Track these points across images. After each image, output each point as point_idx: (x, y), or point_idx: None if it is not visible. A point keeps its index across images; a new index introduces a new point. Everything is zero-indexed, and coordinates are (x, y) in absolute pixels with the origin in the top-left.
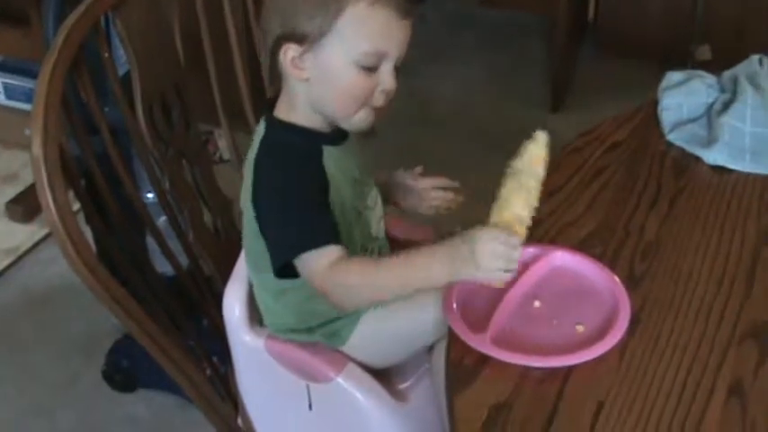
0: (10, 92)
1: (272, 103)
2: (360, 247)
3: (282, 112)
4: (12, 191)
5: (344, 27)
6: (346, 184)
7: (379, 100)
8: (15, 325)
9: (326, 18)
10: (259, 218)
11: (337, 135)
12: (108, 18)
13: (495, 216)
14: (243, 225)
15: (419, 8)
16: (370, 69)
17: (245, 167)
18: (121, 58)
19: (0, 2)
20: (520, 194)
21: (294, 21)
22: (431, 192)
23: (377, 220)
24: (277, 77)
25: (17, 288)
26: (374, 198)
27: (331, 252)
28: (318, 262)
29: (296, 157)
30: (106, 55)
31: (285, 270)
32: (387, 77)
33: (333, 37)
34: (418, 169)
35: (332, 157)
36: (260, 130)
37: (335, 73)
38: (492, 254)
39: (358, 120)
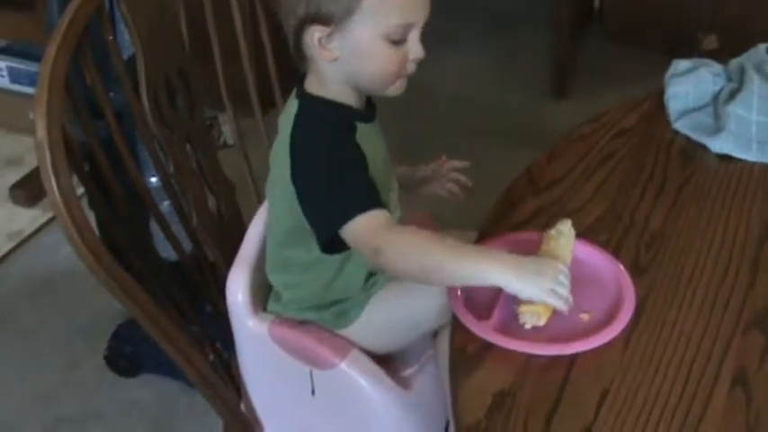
0: (14, 75)
1: (300, 80)
2: None
3: (314, 88)
4: (15, 175)
5: (371, 3)
6: (377, 162)
7: (411, 68)
8: (18, 309)
9: None
10: (300, 192)
11: (368, 112)
12: (112, 1)
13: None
14: (269, 204)
15: None
16: (400, 41)
17: (276, 147)
18: (126, 42)
19: None
20: None
21: (318, 2)
22: (451, 173)
23: (396, 202)
24: (303, 58)
25: (20, 272)
26: (394, 181)
27: (380, 215)
28: (369, 223)
29: (334, 129)
30: (110, 38)
31: (332, 244)
32: (416, 46)
33: (360, 14)
34: (444, 157)
35: (364, 135)
36: (291, 106)
37: (366, 50)
38: (554, 277)
39: (394, 89)
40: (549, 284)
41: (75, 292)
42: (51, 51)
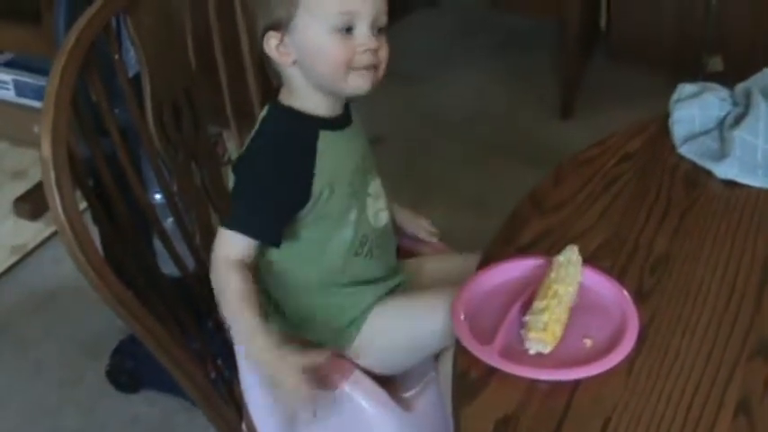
0: (20, 89)
1: (276, 93)
2: (355, 233)
3: (285, 98)
4: (20, 188)
5: (307, 1)
6: (344, 167)
7: (363, 60)
8: (21, 323)
9: (289, 1)
10: (232, 182)
11: (337, 120)
12: (119, 19)
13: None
14: None
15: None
16: (347, 31)
17: None
18: (133, 59)
19: None
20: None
21: (268, 10)
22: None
23: (376, 210)
24: (274, 70)
25: (24, 286)
26: (376, 188)
27: (246, 244)
28: (234, 242)
29: (286, 140)
30: (116, 57)
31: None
32: (364, 37)
33: (301, 12)
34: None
35: (329, 141)
36: (263, 113)
37: (315, 46)
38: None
39: (354, 86)
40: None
41: (78, 306)
42: (57, 69)
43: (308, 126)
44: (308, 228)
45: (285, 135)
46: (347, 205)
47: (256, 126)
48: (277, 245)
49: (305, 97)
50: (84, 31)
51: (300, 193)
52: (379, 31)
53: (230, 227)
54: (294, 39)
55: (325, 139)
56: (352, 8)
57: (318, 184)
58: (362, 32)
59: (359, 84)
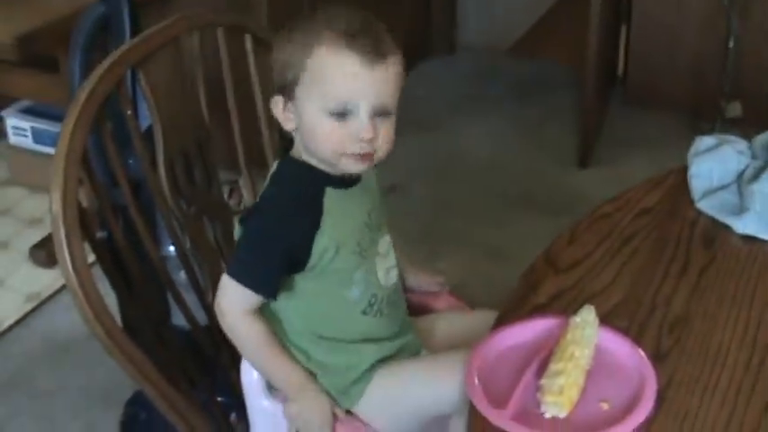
0: (37, 136)
1: (290, 145)
2: (363, 292)
3: (296, 151)
4: (36, 235)
5: (310, 75)
6: (351, 226)
7: (355, 147)
8: (35, 372)
9: (296, 68)
10: (240, 232)
11: (344, 179)
12: (134, 71)
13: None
14: None
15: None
16: (342, 116)
17: None
18: (146, 110)
19: (29, 47)
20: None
21: (277, 72)
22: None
23: (386, 268)
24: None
25: (38, 334)
26: (386, 246)
27: (251, 297)
28: (239, 295)
29: (292, 197)
30: (129, 112)
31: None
32: (360, 126)
33: (302, 85)
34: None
35: (336, 199)
36: (273, 168)
37: (310, 121)
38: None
39: (345, 168)
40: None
41: (92, 355)
42: (69, 125)
43: (315, 182)
44: (311, 281)
45: (291, 192)
46: (354, 264)
47: (267, 180)
48: (273, 299)
49: (310, 157)
50: (96, 86)
51: (300, 251)
52: (382, 115)
53: (231, 275)
54: (296, 107)
55: (332, 197)
56: (351, 96)
57: (322, 242)
58: (360, 119)
59: (350, 168)
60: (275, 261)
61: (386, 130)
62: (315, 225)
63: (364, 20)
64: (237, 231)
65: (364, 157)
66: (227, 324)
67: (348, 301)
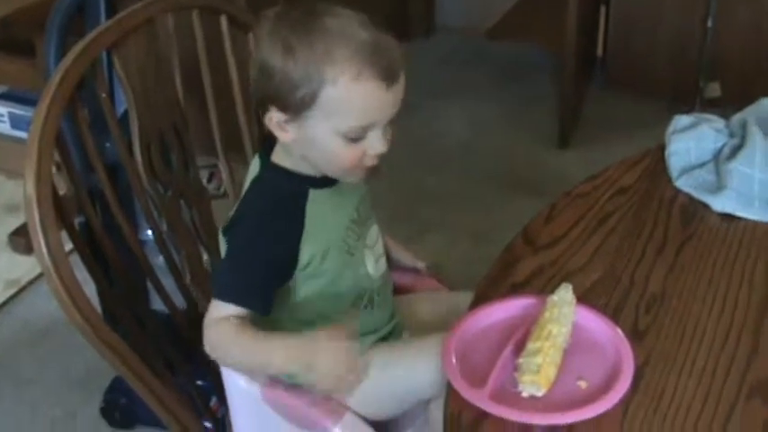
0: (15, 121)
1: (269, 142)
2: (354, 287)
3: (278, 156)
4: (15, 222)
5: (327, 102)
6: (338, 225)
7: (369, 161)
8: (15, 359)
9: (309, 91)
10: (224, 248)
11: (327, 178)
12: (108, 55)
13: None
14: None
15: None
16: (357, 139)
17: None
18: (122, 94)
19: (6, 32)
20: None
21: (279, 87)
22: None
23: (375, 258)
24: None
25: (18, 321)
26: (374, 236)
27: (239, 313)
28: (227, 312)
29: (275, 207)
30: (104, 95)
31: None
32: (375, 143)
33: (316, 111)
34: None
35: (320, 200)
36: (254, 166)
37: (321, 143)
38: (333, 360)
39: (349, 178)
40: (339, 372)
41: (72, 341)
42: (42, 107)
43: (298, 187)
44: (302, 285)
45: (274, 201)
46: (343, 263)
47: (247, 184)
48: (268, 313)
49: (298, 159)
50: (69, 68)
51: (287, 262)
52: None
53: (221, 298)
54: (300, 127)
55: (316, 199)
56: (372, 120)
57: (308, 250)
58: (376, 136)
59: (354, 179)
60: (264, 275)
61: (390, 134)
62: (299, 234)
63: (373, 32)
64: (222, 243)
65: (372, 168)
66: (216, 334)
67: (340, 300)
